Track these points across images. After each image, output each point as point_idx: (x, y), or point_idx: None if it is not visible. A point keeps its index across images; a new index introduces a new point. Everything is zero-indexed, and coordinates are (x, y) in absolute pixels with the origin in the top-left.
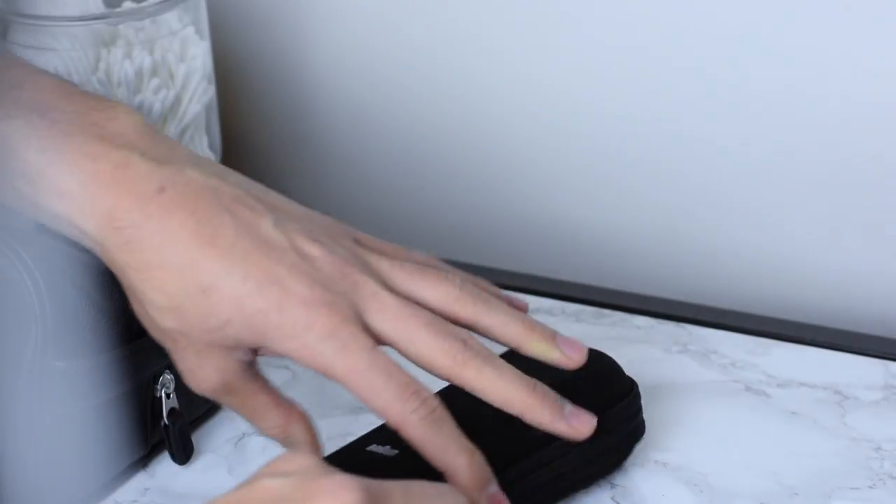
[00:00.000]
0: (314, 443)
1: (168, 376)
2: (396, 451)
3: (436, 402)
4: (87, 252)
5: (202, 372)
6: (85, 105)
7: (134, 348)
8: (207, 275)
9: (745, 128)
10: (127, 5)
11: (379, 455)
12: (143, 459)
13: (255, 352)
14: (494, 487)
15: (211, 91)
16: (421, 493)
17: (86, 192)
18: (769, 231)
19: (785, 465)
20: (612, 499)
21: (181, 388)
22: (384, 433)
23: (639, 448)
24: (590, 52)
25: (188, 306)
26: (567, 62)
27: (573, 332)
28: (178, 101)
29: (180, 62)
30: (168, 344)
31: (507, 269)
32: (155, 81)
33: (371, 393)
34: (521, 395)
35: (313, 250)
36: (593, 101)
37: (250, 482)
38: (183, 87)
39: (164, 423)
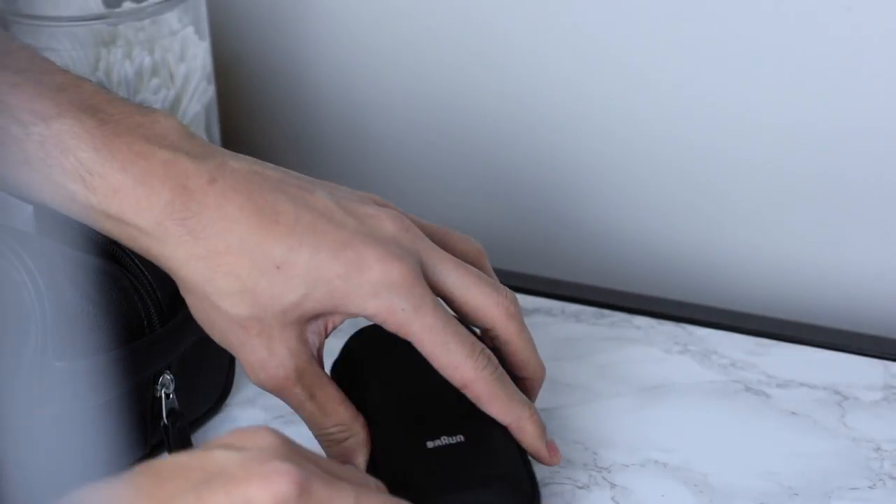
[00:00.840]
0: (368, 451)
1: (168, 376)
2: (462, 437)
3: (496, 360)
4: (87, 252)
5: (275, 359)
6: (127, 109)
7: (134, 348)
8: (279, 251)
9: (745, 128)
10: (127, 5)
11: (448, 446)
12: (143, 459)
13: (325, 331)
14: (548, 436)
15: (211, 91)
16: None
17: (141, 188)
18: (769, 231)
19: (785, 465)
20: (612, 499)
21: (182, 389)
22: (426, 428)
23: (639, 448)
24: (590, 52)
25: (262, 286)
26: (567, 62)
27: (573, 332)
28: (178, 100)
29: (180, 62)
30: (237, 336)
31: (507, 270)
32: (155, 81)
33: (444, 350)
34: (539, 366)
35: (369, 211)
36: (593, 102)
37: (205, 449)
38: (183, 87)
39: (164, 424)
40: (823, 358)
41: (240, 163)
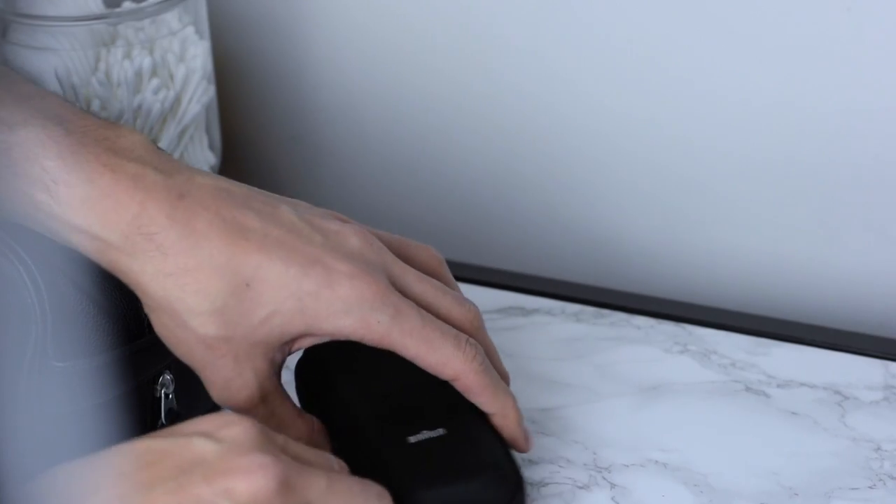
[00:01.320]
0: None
1: (168, 376)
2: (443, 430)
3: (482, 349)
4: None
5: (241, 379)
6: (93, 122)
7: (134, 348)
8: (248, 268)
9: (745, 127)
10: (127, 5)
11: (430, 440)
12: None
13: (290, 350)
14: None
15: (211, 91)
16: (345, 488)
17: (108, 201)
18: (769, 231)
19: (785, 465)
20: (612, 499)
21: (182, 389)
22: (405, 423)
23: (639, 448)
24: (591, 51)
25: (232, 305)
26: (568, 61)
27: (573, 332)
28: (178, 101)
29: (180, 62)
30: (202, 355)
31: (507, 270)
32: (155, 81)
33: (430, 350)
34: (506, 376)
35: (333, 226)
36: (594, 101)
37: (183, 433)
38: (183, 87)
39: (162, 423)
40: (823, 358)
41: (206, 179)
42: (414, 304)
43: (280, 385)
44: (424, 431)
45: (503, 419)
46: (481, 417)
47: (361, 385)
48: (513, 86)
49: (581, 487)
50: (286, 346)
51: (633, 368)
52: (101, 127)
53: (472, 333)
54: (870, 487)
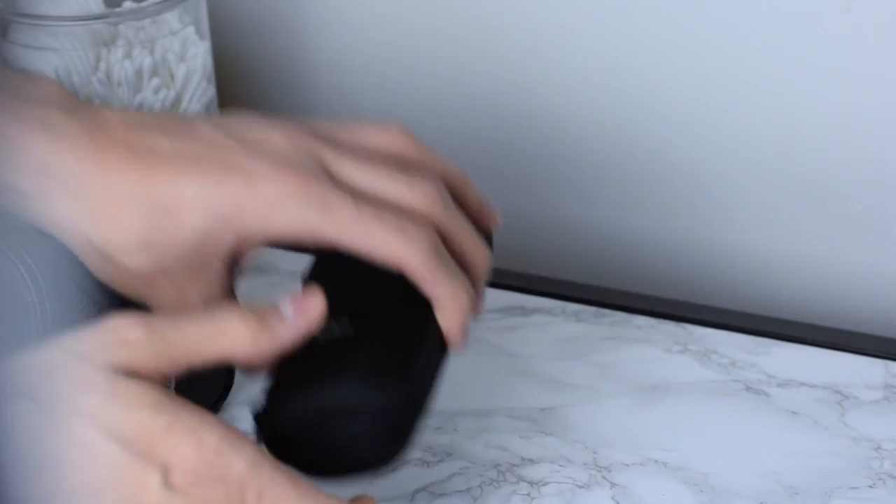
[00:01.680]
0: None
1: None
2: (353, 332)
3: (435, 234)
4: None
5: (186, 306)
6: (9, 75)
7: None
8: (163, 192)
9: (745, 127)
10: (127, 5)
11: (334, 342)
12: None
13: (235, 264)
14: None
15: (211, 91)
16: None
17: (16, 149)
18: (769, 231)
19: (785, 465)
20: (613, 498)
21: (182, 388)
22: (327, 326)
23: (639, 447)
24: (591, 50)
25: (156, 234)
26: (568, 61)
27: (573, 332)
28: (178, 101)
29: (180, 62)
30: (143, 289)
31: (507, 269)
32: (155, 81)
33: (367, 237)
34: (481, 253)
35: (255, 133)
36: (593, 100)
37: (149, 452)
38: (183, 87)
39: None
40: (823, 358)
41: (118, 115)
42: (348, 193)
43: (233, 304)
44: (336, 332)
45: (446, 310)
46: (412, 321)
47: (321, 286)
48: (512, 86)
49: (581, 487)
50: (231, 262)
51: (633, 368)
52: (16, 79)
53: (431, 216)
54: (870, 487)
